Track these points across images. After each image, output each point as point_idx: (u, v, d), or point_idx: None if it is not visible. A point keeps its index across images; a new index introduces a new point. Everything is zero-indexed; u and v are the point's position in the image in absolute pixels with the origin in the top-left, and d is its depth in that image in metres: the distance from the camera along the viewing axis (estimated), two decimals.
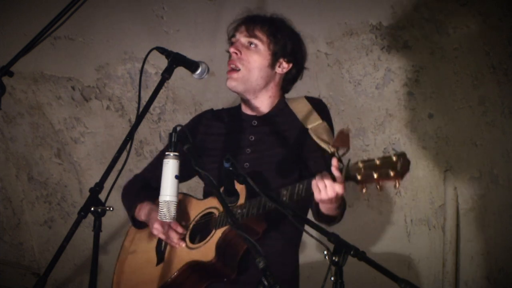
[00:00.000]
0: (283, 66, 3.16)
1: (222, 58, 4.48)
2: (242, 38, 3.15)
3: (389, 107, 4.46)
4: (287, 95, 3.29)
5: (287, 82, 3.23)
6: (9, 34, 4.89)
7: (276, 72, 3.17)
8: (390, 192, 4.57)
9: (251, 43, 3.14)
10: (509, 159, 4.18)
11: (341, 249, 2.43)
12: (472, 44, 4.14)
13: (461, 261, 4.37)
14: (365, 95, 4.50)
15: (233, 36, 3.19)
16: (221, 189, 2.90)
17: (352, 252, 2.44)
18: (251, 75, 3.13)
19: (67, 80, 5.15)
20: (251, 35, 3.13)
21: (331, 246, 2.46)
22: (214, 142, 3.22)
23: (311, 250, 4.16)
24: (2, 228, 5.56)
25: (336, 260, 2.42)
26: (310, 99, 3.21)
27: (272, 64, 3.14)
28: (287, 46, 3.15)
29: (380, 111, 4.50)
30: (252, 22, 3.16)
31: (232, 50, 3.15)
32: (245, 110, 3.23)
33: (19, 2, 4.87)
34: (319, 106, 3.17)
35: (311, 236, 2.58)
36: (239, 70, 3.13)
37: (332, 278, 2.42)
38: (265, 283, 2.26)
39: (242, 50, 3.14)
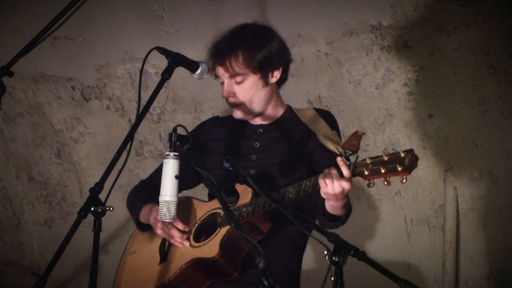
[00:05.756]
0: (276, 75, 3.16)
1: None
2: (226, 80, 3.12)
3: (389, 107, 4.46)
4: (293, 105, 3.29)
5: (283, 78, 3.21)
6: (9, 34, 4.88)
7: (272, 83, 3.17)
8: (390, 192, 4.57)
9: (236, 81, 3.11)
10: (509, 159, 4.18)
11: (341, 249, 2.43)
12: (472, 44, 4.14)
13: (461, 261, 4.37)
14: (365, 95, 4.50)
15: (216, 76, 3.15)
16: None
17: (352, 252, 2.44)
18: (253, 103, 3.14)
19: (67, 80, 5.14)
20: (232, 74, 3.09)
21: (331, 246, 2.46)
22: (220, 149, 3.23)
23: (311, 250, 4.17)
24: (2, 228, 5.55)
25: (336, 260, 2.42)
26: (319, 111, 3.21)
27: (266, 82, 3.13)
28: (268, 58, 3.10)
29: (380, 111, 4.50)
30: (224, 58, 3.09)
31: (224, 95, 3.14)
32: (251, 120, 3.25)
33: (19, 2, 4.86)
34: (328, 117, 3.18)
35: (311, 236, 2.58)
36: (240, 104, 3.14)
37: (332, 278, 2.42)
38: (265, 283, 2.25)
39: (233, 89, 3.12)
